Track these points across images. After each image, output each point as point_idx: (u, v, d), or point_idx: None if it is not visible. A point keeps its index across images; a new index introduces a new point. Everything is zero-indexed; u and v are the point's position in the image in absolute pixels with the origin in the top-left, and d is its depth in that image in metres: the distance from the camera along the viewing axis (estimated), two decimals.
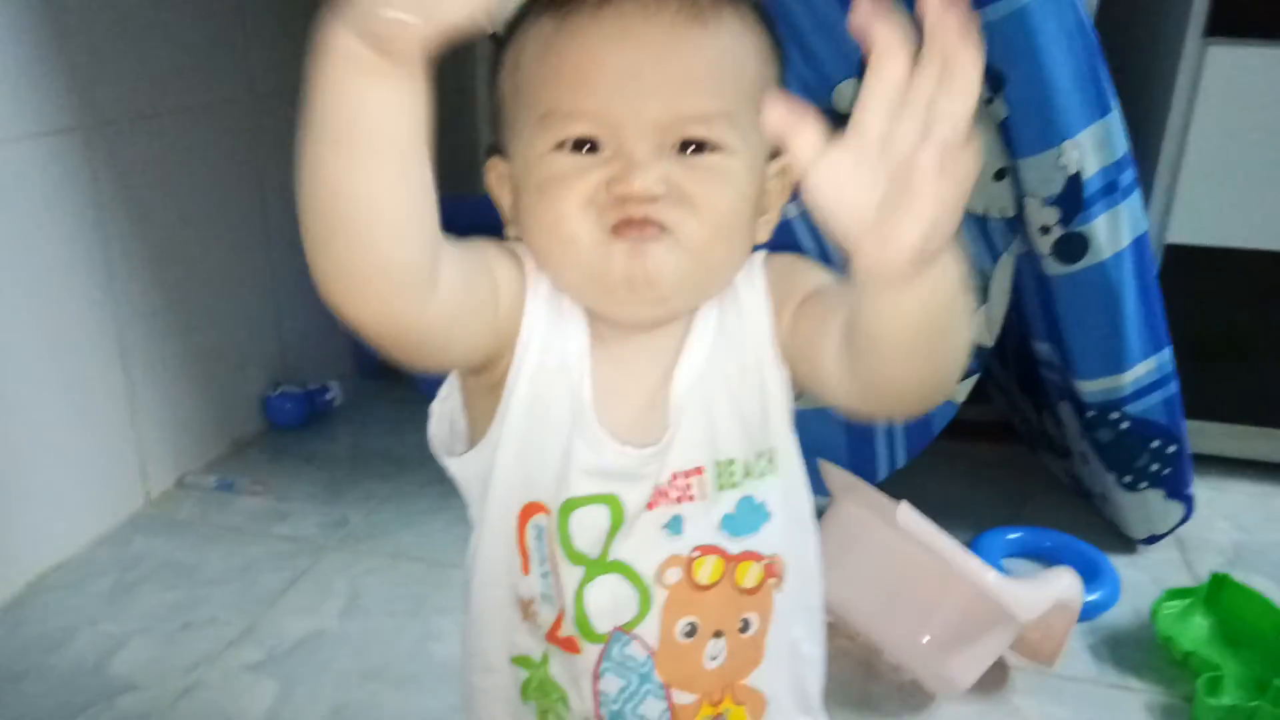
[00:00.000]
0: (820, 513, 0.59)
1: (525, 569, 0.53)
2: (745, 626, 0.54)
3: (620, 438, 0.50)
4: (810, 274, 0.52)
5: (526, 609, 0.54)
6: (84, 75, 1.09)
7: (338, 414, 1.50)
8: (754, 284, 0.52)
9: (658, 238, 0.46)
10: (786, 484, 0.54)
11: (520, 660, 0.55)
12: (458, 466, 0.54)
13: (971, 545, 1.13)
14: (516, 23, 0.52)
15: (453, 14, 0.35)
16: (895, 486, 0.99)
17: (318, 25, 0.36)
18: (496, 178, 0.54)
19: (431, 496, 1.27)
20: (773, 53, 0.51)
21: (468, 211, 1.66)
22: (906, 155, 0.35)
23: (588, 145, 0.47)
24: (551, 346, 0.50)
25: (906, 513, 0.90)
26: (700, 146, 0.47)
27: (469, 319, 0.47)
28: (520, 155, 0.50)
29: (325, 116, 0.38)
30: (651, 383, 0.51)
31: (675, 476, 0.51)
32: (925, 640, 0.91)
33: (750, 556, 0.53)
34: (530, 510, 0.52)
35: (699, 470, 0.51)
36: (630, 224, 0.46)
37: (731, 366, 0.52)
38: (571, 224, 0.47)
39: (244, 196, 1.37)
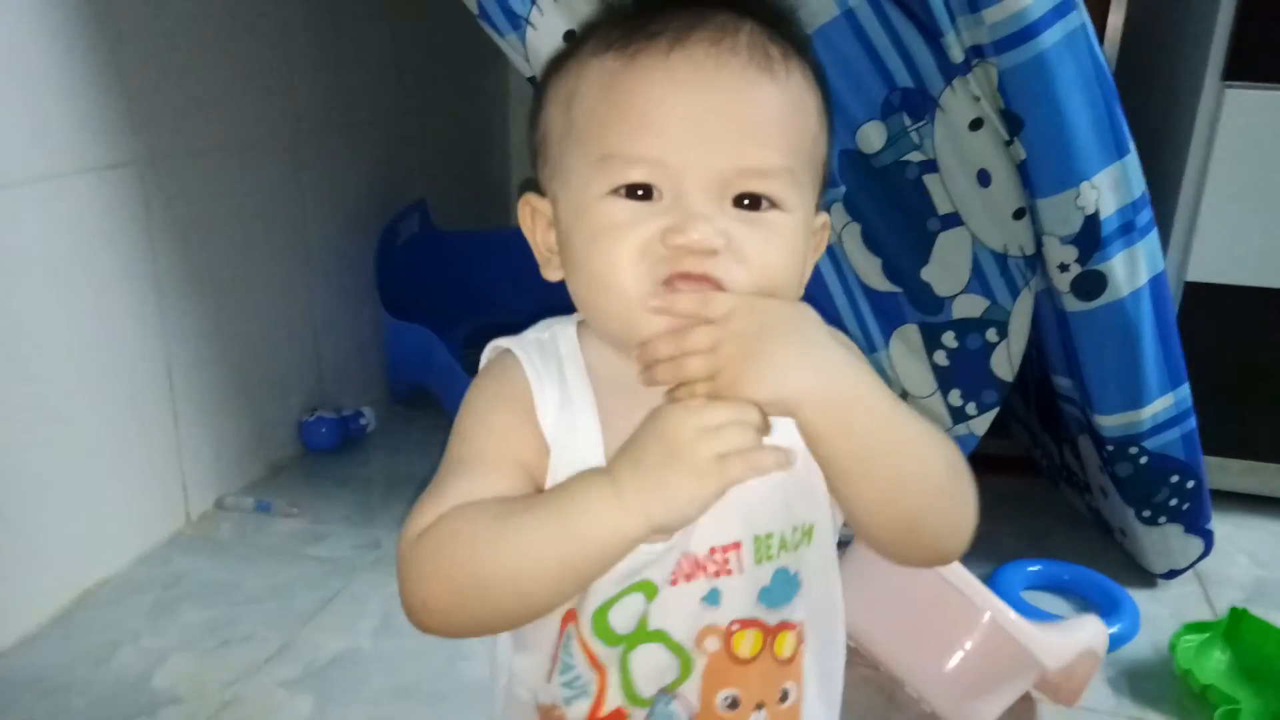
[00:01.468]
0: (845, 541, 0.61)
1: (549, 676, 0.52)
2: (784, 697, 0.53)
3: None
4: None
5: (548, 714, 0.53)
6: (139, 112, 1.14)
7: (371, 439, 1.54)
8: None
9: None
10: (819, 556, 0.53)
11: None
12: None
13: (992, 578, 1.15)
14: (567, 56, 0.51)
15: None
16: None
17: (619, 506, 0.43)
18: (530, 214, 0.52)
19: None
20: (827, 113, 0.51)
21: (502, 242, 1.69)
22: None
23: (643, 191, 0.46)
24: (566, 458, 0.49)
25: None
26: (756, 202, 0.46)
27: None
28: (571, 197, 0.48)
29: (599, 570, 0.44)
30: None
31: (713, 550, 0.50)
32: (948, 672, 0.92)
33: (786, 626, 0.52)
34: (568, 618, 0.51)
35: (737, 545, 0.50)
36: (686, 279, 0.45)
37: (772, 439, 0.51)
38: (624, 275, 0.46)
39: (287, 228, 1.42)
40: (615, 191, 0.46)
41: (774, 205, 0.47)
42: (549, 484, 0.49)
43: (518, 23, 0.94)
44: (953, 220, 1.04)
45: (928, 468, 0.46)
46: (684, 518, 0.43)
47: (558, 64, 0.51)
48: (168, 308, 1.21)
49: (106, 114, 1.10)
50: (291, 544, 1.25)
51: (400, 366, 1.61)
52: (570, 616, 0.51)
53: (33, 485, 1.06)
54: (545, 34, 0.94)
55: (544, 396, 0.50)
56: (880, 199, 1.03)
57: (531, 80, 0.98)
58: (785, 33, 0.50)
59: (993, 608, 0.90)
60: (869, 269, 1.06)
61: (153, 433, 1.23)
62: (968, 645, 0.91)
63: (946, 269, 1.06)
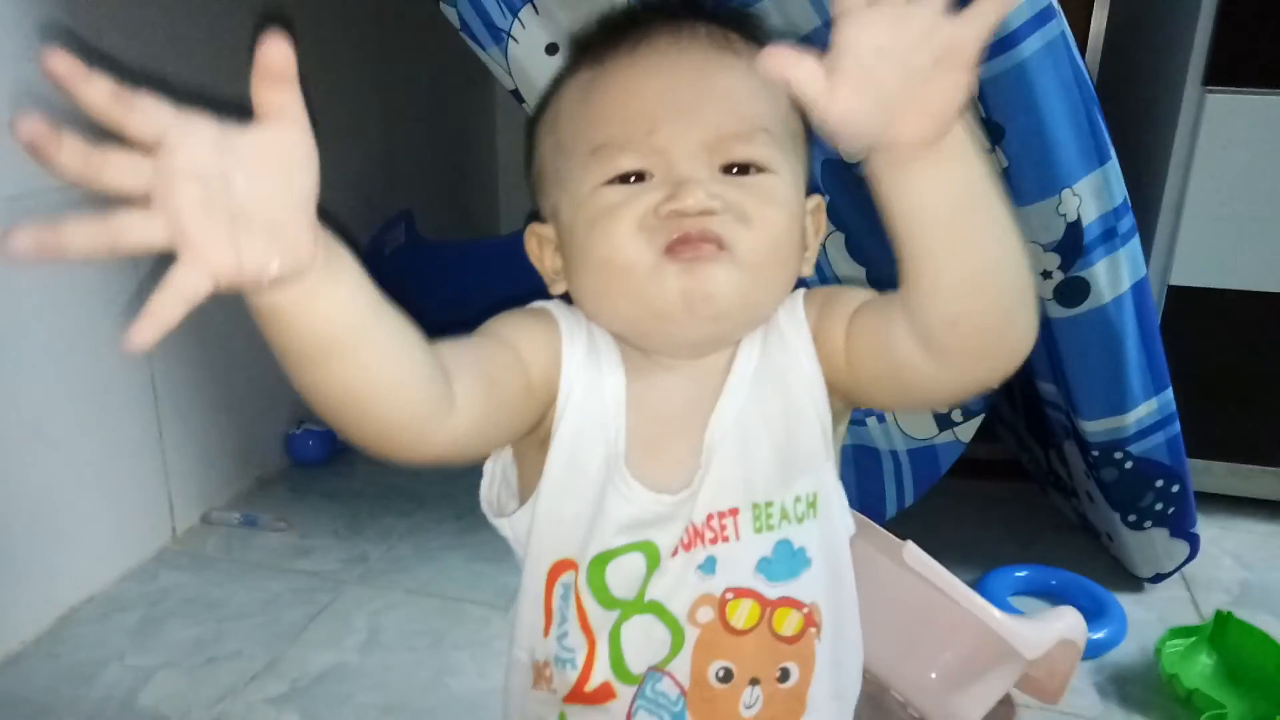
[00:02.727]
0: None
1: (546, 630, 0.53)
2: (784, 676, 0.53)
3: (654, 485, 0.50)
4: (852, 294, 0.52)
5: (539, 674, 0.53)
6: None
7: (358, 452, 1.52)
8: (796, 319, 0.52)
9: (714, 256, 0.46)
10: (827, 530, 0.53)
11: None
12: (509, 527, 0.54)
13: (979, 583, 1.15)
14: (547, 96, 0.54)
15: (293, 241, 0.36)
16: (904, 524, 1.00)
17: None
18: (537, 242, 0.54)
19: (449, 533, 1.29)
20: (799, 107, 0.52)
21: (490, 252, 1.69)
22: (907, 57, 0.37)
23: (636, 177, 0.48)
24: (589, 400, 0.51)
25: (913, 551, 0.92)
26: (745, 169, 0.48)
27: (498, 417, 0.48)
28: (568, 198, 0.50)
29: (282, 346, 0.40)
30: (690, 427, 0.51)
31: (710, 517, 0.51)
32: (932, 677, 0.92)
33: (788, 603, 0.52)
34: (560, 568, 0.52)
35: (734, 511, 0.51)
36: (686, 242, 0.46)
37: (773, 407, 0.52)
38: (626, 250, 0.47)
39: None
40: (609, 182, 0.48)
41: (761, 170, 0.48)
42: (558, 423, 0.50)
43: (499, 36, 0.94)
44: None
45: (1017, 236, 0.43)
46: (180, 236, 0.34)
47: (541, 105, 0.55)
48: None
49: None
50: (278, 558, 1.25)
51: None
52: (568, 565, 0.51)
53: (16, 502, 1.06)
54: (527, 47, 0.94)
55: (573, 342, 0.51)
56: (863, 207, 1.03)
57: (514, 93, 0.98)
58: (745, 33, 0.52)
59: (970, 603, 0.91)
60: (853, 278, 1.06)
61: (137, 447, 1.22)
62: (950, 642, 0.92)
63: None
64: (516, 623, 0.55)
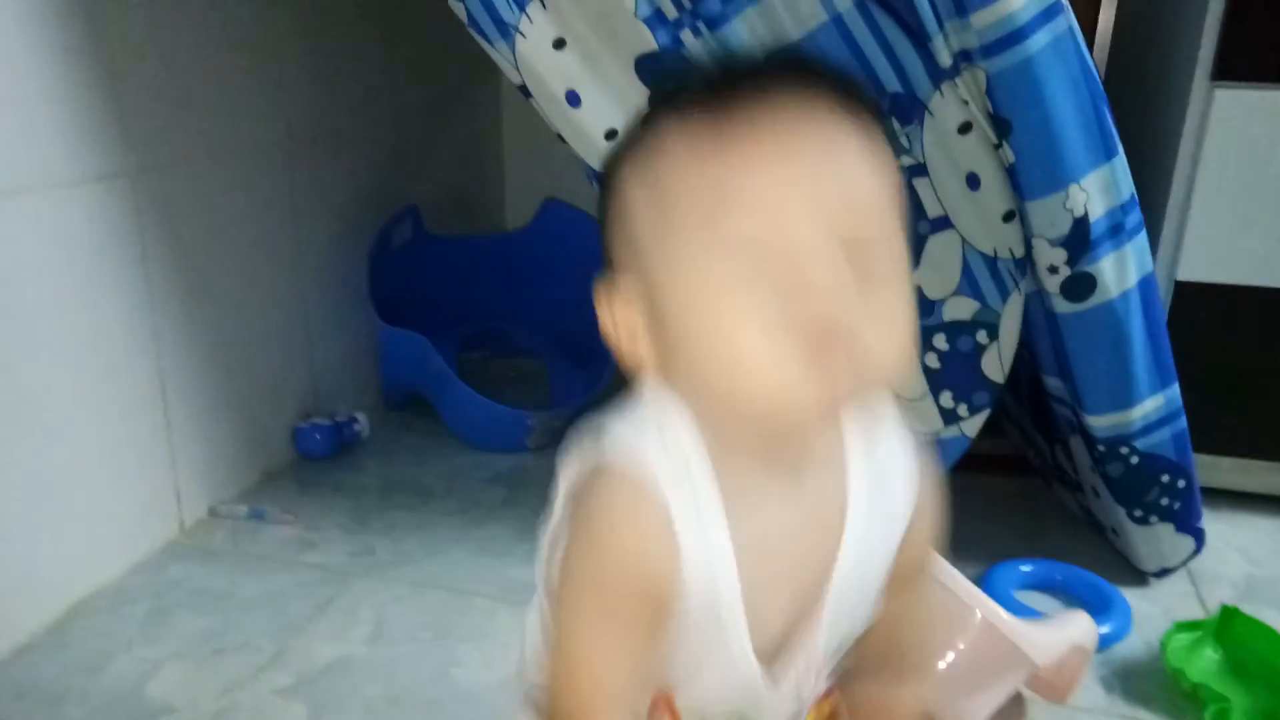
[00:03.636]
0: None
1: None
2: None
3: (764, 655, 0.51)
4: (926, 555, 0.57)
5: None
6: (131, 124, 1.14)
7: (365, 445, 1.54)
8: (910, 477, 0.55)
9: (848, 364, 0.43)
10: None
11: None
12: None
13: (984, 577, 1.15)
14: (641, 131, 0.48)
15: None
16: None
17: None
18: (622, 301, 0.48)
19: (455, 526, 1.30)
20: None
21: (496, 246, 1.70)
22: None
23: (759, 254, 0.43)
24: (699, 577, 0.48)
25: None
26: (875, 271, 0.44)
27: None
28: (679, 285, 0.46)
29: None
30: (804, 574, 0.51)
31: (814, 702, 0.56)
32: (940, 671, 0.92)
33: (828, 691, 0.58)
34: (659, 699, 0.53)
35: (828, 695, 0.57)
36: (823, 339, 0.43)
37: (878, 537, 0.53)
38: (758, 354, 0.43)
39: (280, 235, 1.42)
40: (726, 257, 0.44)
41: (890, 271, 0.45)
42: (682, 608, 0.49)
43: (507, 31, 0.94)
44: (942, 224, 1.05)
45: None
46: None
47: (630, 140, 0.49)
48: (160, 316, 1.21)
49: (98, 126, 1.10)
50: (285, 551, 1.25)
51: (394, 372, 1.61)
52: (666, 696, 0.53)
53: (25, 495, 1.06)
54: (534, 42, 0.94)
55: (684, 520, 0.48)
56: None
57: (521, 88, 0.98)
58: (860, 98, 0.48)
59: (982, 606, 0.91)
60: None
61: (145, 441, 1.23)
62: (959, 644, 0.91)
63: (936, 272, 1.06)
64: None
